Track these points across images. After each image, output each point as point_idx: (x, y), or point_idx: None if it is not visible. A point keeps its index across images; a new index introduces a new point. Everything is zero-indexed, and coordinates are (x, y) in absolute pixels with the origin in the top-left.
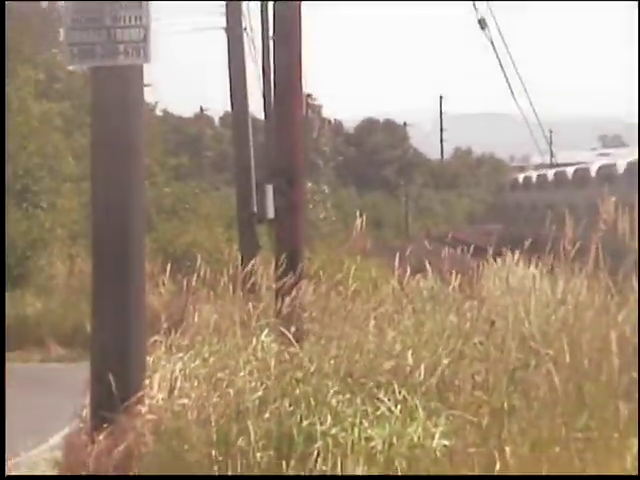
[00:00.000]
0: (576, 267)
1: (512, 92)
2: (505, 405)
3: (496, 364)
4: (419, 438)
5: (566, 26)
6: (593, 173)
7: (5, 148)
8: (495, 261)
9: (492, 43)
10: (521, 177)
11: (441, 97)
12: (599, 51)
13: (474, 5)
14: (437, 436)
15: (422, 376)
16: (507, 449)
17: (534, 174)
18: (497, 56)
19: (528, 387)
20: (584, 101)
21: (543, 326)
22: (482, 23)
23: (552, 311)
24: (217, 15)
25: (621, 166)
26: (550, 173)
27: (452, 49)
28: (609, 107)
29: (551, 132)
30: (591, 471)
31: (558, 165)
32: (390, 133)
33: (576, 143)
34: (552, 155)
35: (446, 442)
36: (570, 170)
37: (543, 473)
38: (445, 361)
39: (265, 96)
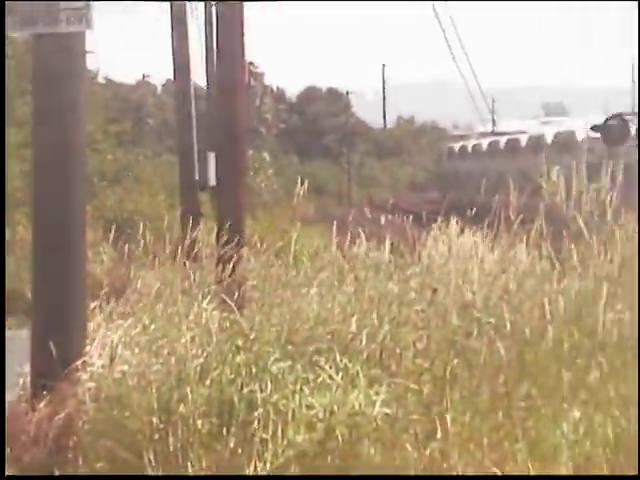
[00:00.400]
0: (519, 236)
1: (455, 60)
2: (447, 373)
3: (438, 332)
4: (360, 406)
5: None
6: (523, 143)
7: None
8: (439, 229)
9: (434, 10)
10: (457, 146)
11: (384, 65)
12: (543, 20)
13: None
14: (378, 404)
15: (363, 343)
16: (448, 417)
17: (471, 143)
18: (440, 25)
19: (470, 355)
20: (528, 70)
21: (485, 294)
22: None
23: (494, 279)
24: None
25: (549, 136)
26: (485, 142)
27: (397, 18)
28: (553, 76)
29: (493, 101)
30: (530, 438)
31: (499, 133)
32: (332, 101)
33: (520, 111)
34: (494, 123)
35: (387, 410)
36: (503, 140)
37: (484, 443)
38: (386, 328)
39: (207, 63)
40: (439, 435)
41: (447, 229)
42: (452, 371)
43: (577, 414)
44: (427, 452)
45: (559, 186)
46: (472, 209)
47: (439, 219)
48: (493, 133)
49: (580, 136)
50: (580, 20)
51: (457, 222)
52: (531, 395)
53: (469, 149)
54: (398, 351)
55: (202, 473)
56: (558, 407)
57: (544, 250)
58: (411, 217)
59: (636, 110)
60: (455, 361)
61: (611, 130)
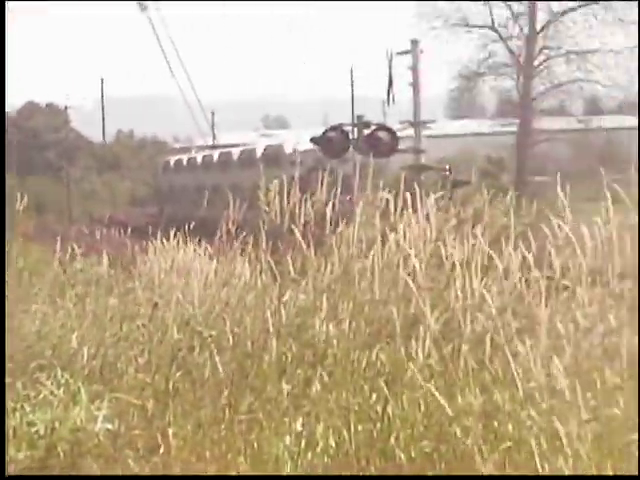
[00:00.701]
0: (240, 248)
1: (173, 74)
2: (169, 387)
3: (159, 346)
4: (82, 421)
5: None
6: (235, 157)
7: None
8: (162, 242)
9: (153, 27)
10: (173, 160)
11: (102, 80)
12: (259, 34)
13: None
14: (100, 419)
15: (85, 359)
16: (170, 431)
17: (186, 157)
18: (159, 41)
19: (192, 369)
20: (246, 82)
21: (207, 308)
22: (142, 6)
23: (215, 292)
24: None
25: (259, 150)
26: (200, 156)
27: (113, 32)
28: (271, 88)
29: (213, 114)
30: (253, 450)
31: (219, 147)
32: (52, 116)
33: (240, 124)
34: (214, 137)
35: (109, 425)
36: (216, 153)
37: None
38: (107, 343)
39: None
40: (162, 450)
41: (168, 243)
42: (174, 385)
43: (299, 426)
44: (149, 467)
45: (274, 199)
46: (190, 223)
47: (159, 233)
48: (212, 146)
49: (288, 149)
50: (302, 33)
51: (176, 236)
52: (253, 408)
53: (184, 163)
54: (120, 366)
55: None
56: (280, 419)
57: (264, 263)
58: (130, 231)
59: (356, 120)
60: (177, 375)
61: (330, 141)
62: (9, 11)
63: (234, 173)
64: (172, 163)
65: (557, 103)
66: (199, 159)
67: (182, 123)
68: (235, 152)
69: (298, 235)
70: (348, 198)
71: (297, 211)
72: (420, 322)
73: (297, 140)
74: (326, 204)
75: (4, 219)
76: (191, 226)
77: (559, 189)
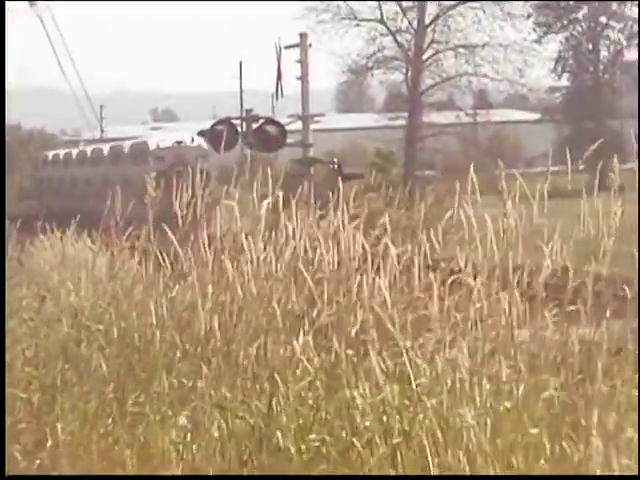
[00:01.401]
0: (129, 242)
1: (61, 66)
2: (57, 381)
3: (47, 340)
4: None
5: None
6: (105, 152)
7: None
8: (47, 236)
9: (41, 19)
10: (51, 154)
11: None
12: (155, 22)
13: None
14: None
15: None
16: (58, 425)
17: (76, 150)
18: (47, 34)
19: (80, 363)
20: (135, 75)
21: (94, 301)
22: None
23: (104, 286)
24: None
25: (127, 146)
26: (89, 149)
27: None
28: (159, 81)
29: (101, 107)
30: (139, 444)
31: (107, 140)
32: None
33: (128, 117)
34: (102, 130)
35: None
36: (89, 148)
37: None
38: None
39: None
40: (49, 444)
41: (57, 236)
42: (62, 379)
43: (184, 420)
44: (37, 462)
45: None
46: (76, 216)
47: (48, 226)
48: (101, 140)
49: (152, 146)
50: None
51: (62, 229)
52: (140, 402)
53: (61, 157)
54: (8, 360)
55: None
56: (166, 413)
57: (153, 256)
58: (19, 224)
59: (244, 114)
60: (66, 369)
61: (218, 135)
62: None
63: (105, 168)
64: (61, 156)
65: (446, 97)
66: (89, 152)
67: (70, 115)
68: (105, 148)
69: (170, 233)
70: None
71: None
72: (307, 316)
73: (162, 138)
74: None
75: (4, 219)
76: (76, 219)
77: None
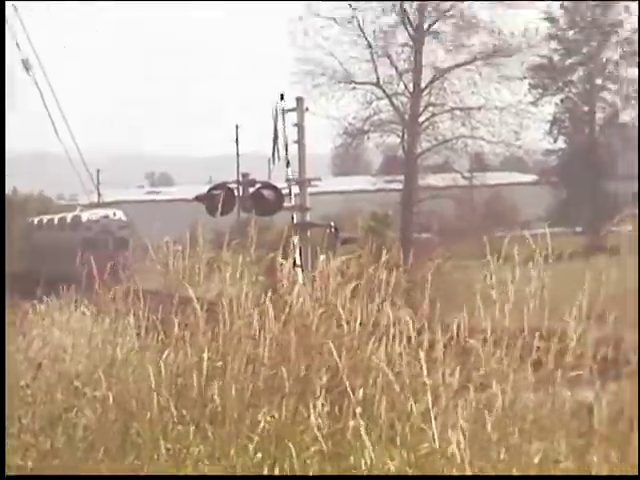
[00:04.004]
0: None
1: (56, 132)
2: (49, 446)
3: (43, 407)
4: None
5: None
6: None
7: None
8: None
9: (37, 84)
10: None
11: None
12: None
13: (17, 45)
14: None
15: None
16: None
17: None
18: (42, 98)
19: (75, 429)
20: (132, 140)
21: (90, 367)
22: (26, 64)
23: (100, 351)
24: None
25: (69, 218)
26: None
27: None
28: (156, 144)
29: (98, 171)
30: None
31: (104, 205)
32: None
33: (126, 181)
34: (99, 194)
35: None
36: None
37: None
38: None
39: None
40: None
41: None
42: (55, 445)
43: None
44: None
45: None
46: (66, 281)
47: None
48: (98, 204)
49: (84, 218)
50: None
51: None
52: (136, 465)
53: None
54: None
55: None
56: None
57: (144, 321)
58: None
59: (241, 178)
60: (62, 435)
61: (215, 200)
62: None
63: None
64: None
65: (442, 159)
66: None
67: (66, 180)
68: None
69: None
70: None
71: None
72: (310, 382)
73: (94, 211)
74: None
75: (4, 219)
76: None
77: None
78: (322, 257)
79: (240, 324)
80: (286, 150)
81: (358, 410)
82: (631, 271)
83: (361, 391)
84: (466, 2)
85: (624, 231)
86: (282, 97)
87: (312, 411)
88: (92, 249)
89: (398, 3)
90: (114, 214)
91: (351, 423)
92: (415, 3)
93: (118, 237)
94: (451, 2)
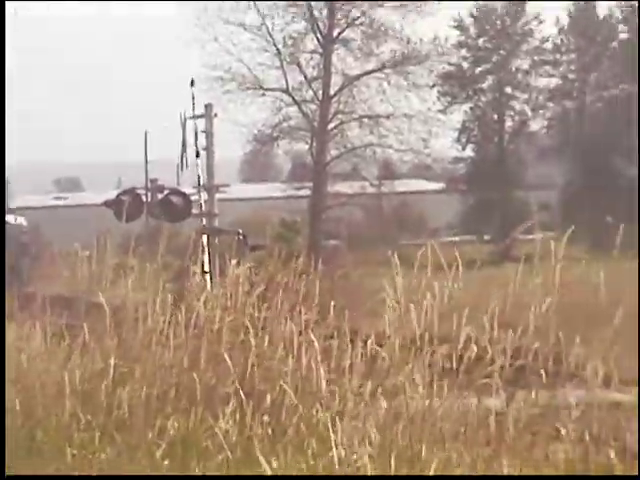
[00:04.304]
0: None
1: None
2: None
3: None
4: None
5: None
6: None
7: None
8: None
9: None
10: None
11: None
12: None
13: None
14: None
15: None
16: None
17: None
18: None
19: None
20: (43, 143)
21: None
22: None
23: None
24: None
25: None
26: None
27: None
28: (61, 151)
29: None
30: None
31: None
32: None
33: (34, 188)
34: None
35: None
36: None
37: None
38: None
39: None
40: None
41: None
42: None
43: None
44: None
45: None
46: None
47: None
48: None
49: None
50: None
51: None
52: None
53: None
54: None
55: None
56: None
57: (50, 326)
58: None
59: (149, 184)
60: None
61: (123, 205)
62: None
63: None
64: None
65: (350, 167)
66: None
67: None
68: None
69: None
70: None
71: None
72: (218, 389)
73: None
74: None
75: (4, 219)
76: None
77: None
78: (234, 262)
79: (147, 329)
80: (197, 155)
81: (265, 418)
82: (542, 278)
83: (268, 398)
84: (376, 9)
85: (529, 239)
86: (192, 83)
87: (220, 418)
88: None
89: (307, 10)
90: (15, 219)
91: (259, 431)
92: (325, 10)
93: (19, 243)
94: (361, 9)
